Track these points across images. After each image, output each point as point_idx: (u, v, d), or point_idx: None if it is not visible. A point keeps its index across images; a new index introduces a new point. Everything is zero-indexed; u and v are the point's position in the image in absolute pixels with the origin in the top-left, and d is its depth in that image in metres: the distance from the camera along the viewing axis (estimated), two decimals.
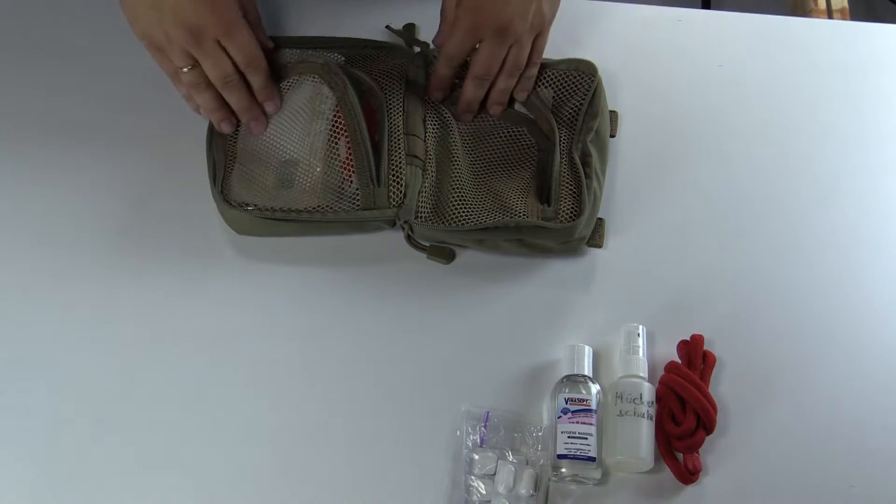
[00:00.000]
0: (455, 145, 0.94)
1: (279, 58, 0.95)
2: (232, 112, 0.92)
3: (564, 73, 0.96)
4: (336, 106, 0.91)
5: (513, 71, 0.93)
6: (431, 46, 0.98)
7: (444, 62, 0.94)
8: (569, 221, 0.88)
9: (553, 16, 0.93)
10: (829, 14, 1.59)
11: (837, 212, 0.95)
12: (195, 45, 0.87)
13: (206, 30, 0.86)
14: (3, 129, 0.97)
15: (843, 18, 1.58)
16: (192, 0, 0.85)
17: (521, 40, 0.91)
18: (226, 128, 0.92)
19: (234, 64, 0.89)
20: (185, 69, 0.88)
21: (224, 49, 0.88)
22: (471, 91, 0.94)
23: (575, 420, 0.81)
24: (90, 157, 0.95)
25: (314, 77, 0.92)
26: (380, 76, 0.96)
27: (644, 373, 0.83)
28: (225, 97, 0.91)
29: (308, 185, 0.90)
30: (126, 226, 0.92)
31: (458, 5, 0.91)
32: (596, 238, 0.91)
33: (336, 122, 0.91)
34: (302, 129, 0.92)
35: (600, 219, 0.91)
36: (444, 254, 0.90)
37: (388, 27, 1.01)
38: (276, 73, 0.93)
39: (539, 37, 0.93)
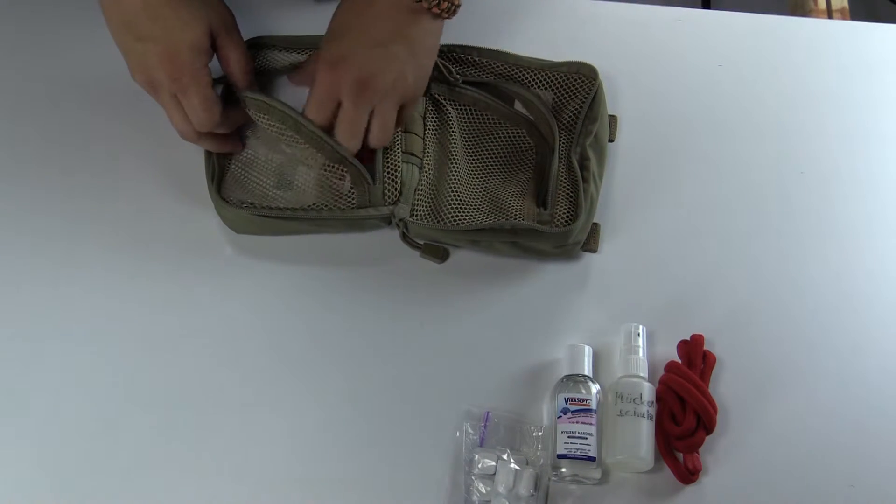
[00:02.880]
0: (454, 144, 0.94)
1: (273, 61, 0.96)
2: (226, 138, 0.91)
3: (565, 76, 0.96)
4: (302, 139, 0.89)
5: (381, 138, 0.87)
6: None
7: (307, 120, 0.87)
8: (564, 226, 0.88)
9: (419, 89, 0.88)
10: (829, 14, 1.59)
11: (837, 212, 0.95)
12: (157, 96, 0.87)
13: (163, 84, 0.85)
14: (2, 130, 0.97)
15: (843, 18, 1.58)
16: (154, 51, 0.84)
17: (383, 104, 0.85)
18: (235, 150, 0.92)
19: (187, 119, 0.87)
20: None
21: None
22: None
23: (575, 420, 0.81)
24: (89, 157, 0.95)
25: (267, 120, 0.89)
26: None
27: (644, 373, 0.83)
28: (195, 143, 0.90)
29: (305, 184, 0.90)
30: (125, 225, 0.92)
31: (316, 60, 0.86)
32: (591, 243, 0.90)
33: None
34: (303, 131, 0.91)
35: (595, 223, 0.91)
36: (437, 253, 0.90)
37: None
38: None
39: (404, 108, 0.88)
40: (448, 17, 0.86)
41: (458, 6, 0.85)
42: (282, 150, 0.91)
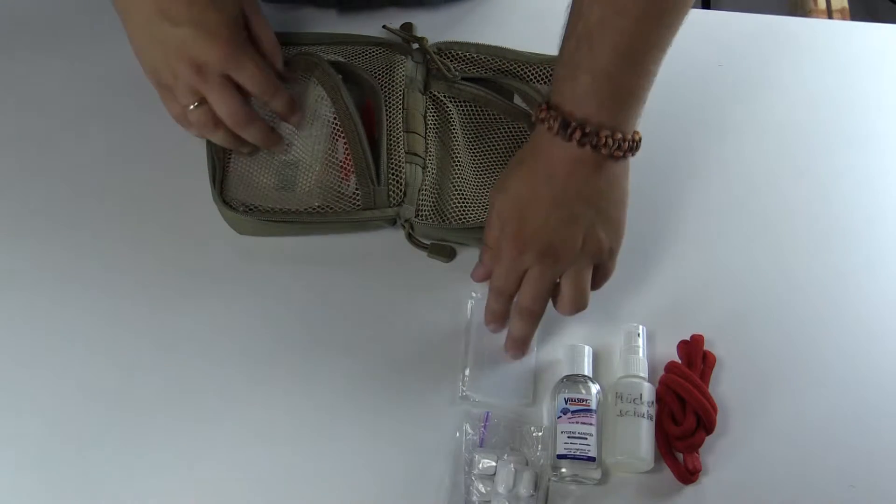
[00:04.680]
0: (456, 142, 0.94)
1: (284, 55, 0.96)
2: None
3: None
4: (335, 109, 0.91)
5: (577, 303, 0.81)
6: (429, 42, 0.98)
7: (494, 297, 0.83)
8: None
9: (616, 241, 0.81)
10: (829, 14, 1.59)
11: (838, 211, 0.95)
12: (201, 81, 0.84)
13: (211, 63, 0.83)
14: (2, 130, 0.97)
15: (843, 18, 1.57)
16: (196, 34, 0.82)
17: (575, 267, 0.80)
18: (251, 151, 0.91)
19: (240, 97, 0.86)
20: (192, 107, 0.86)
21: (234, 81, 0.86)
22: (517, 329, 0.83)
23: (575, 420, 0.81)
24: (90, 157, 0.95)
25: (313, 81, 0.92)
26: (379, 74, 0.96)
27: (644, 373, 0.83)
28: (238, 134, 0.88)
29: (308, 186, 0.90)
30: (126, 225, 0.92)
31: (499, 228, 0.81)
32: None
33: (335, 123, 0.91)
34: (303, 133, 0.92)
35: None
36: (444, 252, 0.90)
37: (384, 27, 1.01)
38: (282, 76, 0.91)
39: (600, 267, 0.82)
40: (632, 154, 0.79)
41: (640, 141, 0.79)
42: (285, 151, 0.91)
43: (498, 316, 0.84)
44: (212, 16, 0.83)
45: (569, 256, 0.79)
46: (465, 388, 0.84)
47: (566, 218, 0.78)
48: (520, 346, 0.84)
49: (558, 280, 0.81)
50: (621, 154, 0.77)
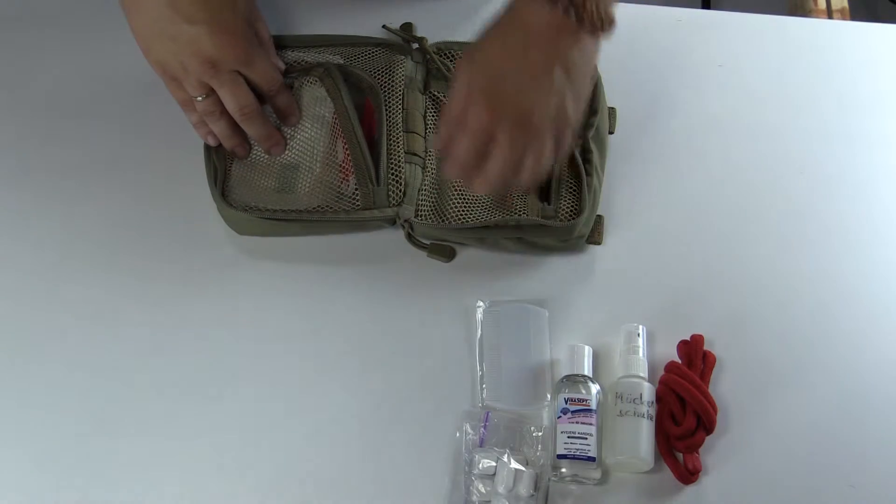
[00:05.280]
0: None
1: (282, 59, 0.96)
2: (245, 138, 0.91)
3: None
4: (335, 110, 0.91)
5: (536, 172, 0.82)
6: (429, 42, 0.98)
7: (454, 166, 0.83)
8: (569, 220, 0.88)
9: (578, 119, 0.84)
10: (829, 14, 1.59)
11: (838, 211, 0.95)
12: (213, 76, 0.86)
13: (224, 61, 0.85)
14: (2, 129, 0.97)
15: (843, 18, 1.57)
16: (209, 33, 0.84)
17: (541, 138, 0.81)
18: (241, 153, 0.91)
19: (251, 93, 0.88)
20: (200, 98, 0.87)
21: (243, 77, 0.87)
22: (484, 190, 0.85)
23: (575, 420, 0.81)
24: (90, 157, 0.95)
25: (313, 80, 0.92)
26: (378, 74, 0.96)
27: (644, 373, 0.83)
28: (243, 128, 0.90)
29: (308, 187, 0.90)
30: (126, 225, 0.92)
31: (469, 101, 0.80)
32: (595, 235, 0.91)
33: (335, 124, 0.91)
34: (303, 134, 0.92)
35: (599, 216, 0.91)
36: (444, 252, 0.90)
37: (384, 27, 1.01)
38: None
39: (561, 139, 0.83)
40: (605, 34, 0.79)
41: (615, 24, 0.79)
42: (295, 143, 0.91)
43: (460, 175, 0.84)
44: (228, 15, 0.85)
45: (540, 125, 0.80)
46: (485, 399, 0.84)
47: (544, 87, 0.78)
48: (488, 189, 0.84)
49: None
50: (598, 29, 0.78)
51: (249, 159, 0.92)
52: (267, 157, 0.92)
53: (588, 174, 0.90)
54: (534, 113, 0.79)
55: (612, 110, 0.97)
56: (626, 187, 0.95)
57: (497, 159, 0.81)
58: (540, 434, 0.82)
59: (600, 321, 0.88)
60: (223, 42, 0.85)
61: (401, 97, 0.94)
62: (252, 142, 0.92)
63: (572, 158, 0.91)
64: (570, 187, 0.90)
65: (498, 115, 0.79)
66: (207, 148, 0.92)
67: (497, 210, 0.90)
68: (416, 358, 0.86)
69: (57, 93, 0.99)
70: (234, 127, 0.90)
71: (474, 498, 0.80)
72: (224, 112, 0.89)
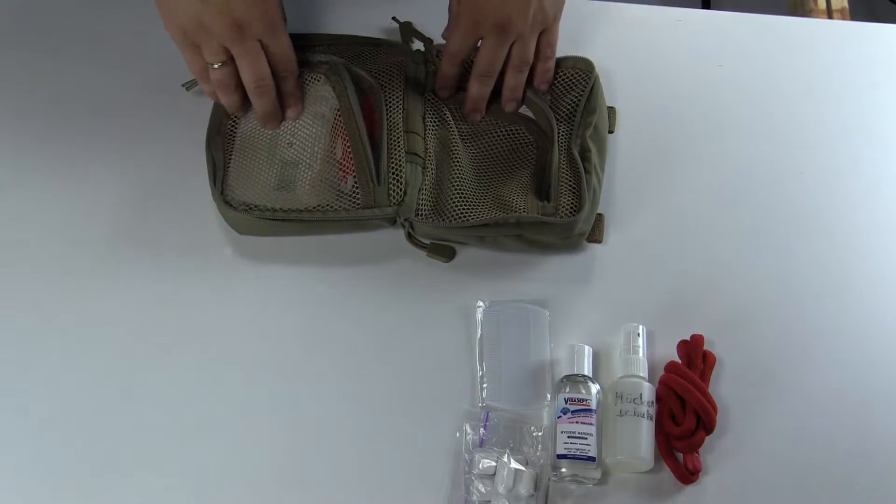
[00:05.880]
0: (455, 142, 0.94)
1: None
2: (247, 106, 0.92)
3: (561, 70, 0.97)
4: (337, 108, 0.91)
5: (519, 66, 0.93)
6: (434, 42, 0.98)
7: (447, 59, 0.94)
8: (569, 217, 0.88)
9: (558, 11, 0.93)
10: (829, 14, 1.59)
11: (838, 211, 0.95)
12: (237, 41, 0.86)
13: (252, 26, 0.85)
14: (2, 129, 0.97)
15: (843, 18, 1.58)
16: None
17: (524, 36, 0.91)
18: (237, 113, 0.93)
19: (269, 67, 0.89)
20: (217, 65, 0.87)
21: (264, 50, 0.87)
22: (475, 89, 0.94)
23: (575, 420, 0.81)
24: (90, 156, 0.95)
25: (317, 77, 0.92)
26: (379, 74, 0.96)
27: (644, 373, 0.83)
28: (252, 101, 0.90)
29: (307, 185, 0.90)
30: (126, 225, 0.92)
31: (458, 2, 0.91)
32: (596, 233, 0.91)
33: (336, 123, 0.91)
34: (303, 132, 0.92)
35: (600, 214, 0.91)
36: (444, 252, 0.90)
37: (394, 18, 1.01)
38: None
39: (545, 32, 0.93)
40: None
41: None
42: (284, 149, 0.91)
43: (449, 80, 0.95)
44: None
45: (520, 26, 0.91)
46: (485, 398, 0.84)
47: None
48: (479, 107, 0.95)
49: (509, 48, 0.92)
50: None
51: (248, 144, 0.92)
52: (267, 153, 0.92)
53: (587, 172, 0.90)
54: (515, 15, 0.90)
55: (611, 110, 0.97)
56: (627, 187, 0.95)
57: (482, 56, 0.92)
58: (540, 434, 0.82)
59: (600, 321, 0.88)
60: (256, 5, 0.85)
61: (401, 97, 0.94)
62: (254, 140, 0.92)
63: (571, 157, 0.91)
64: (570, 186, 0.90)
65: (483, 19, 0.90)
66: (208, 145, 0.92)
67: (497, 208, 0.90)
68: (416, 358, 0.87)
69: (57, 93, 0.99)
70: (244, 102, 0.91)
71: (474, 498, 0.80)
72: (238, 85, 0.89)
